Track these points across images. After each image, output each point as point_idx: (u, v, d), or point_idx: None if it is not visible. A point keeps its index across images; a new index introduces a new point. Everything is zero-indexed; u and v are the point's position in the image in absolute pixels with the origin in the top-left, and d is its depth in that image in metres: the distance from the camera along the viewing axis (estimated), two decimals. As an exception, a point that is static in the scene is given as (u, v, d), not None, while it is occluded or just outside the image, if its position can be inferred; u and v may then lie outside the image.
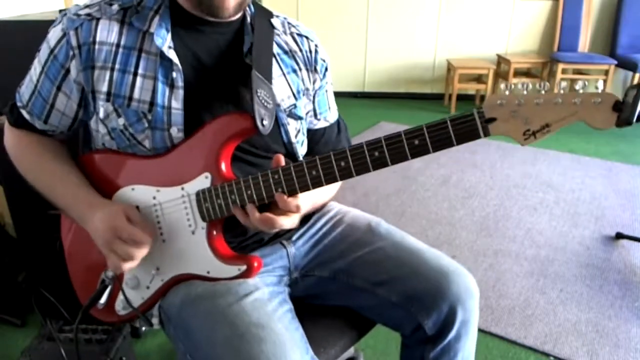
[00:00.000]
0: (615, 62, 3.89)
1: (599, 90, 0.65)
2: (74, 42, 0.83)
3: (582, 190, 2.77)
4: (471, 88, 4.38)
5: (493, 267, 2.05)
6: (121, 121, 0.86)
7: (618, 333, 1.67)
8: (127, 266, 0.83)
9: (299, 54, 0.98)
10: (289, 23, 1.00)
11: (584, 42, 4.19)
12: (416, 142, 0.72)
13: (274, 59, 0.93)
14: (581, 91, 0.66)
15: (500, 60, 4.35)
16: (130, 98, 0.85)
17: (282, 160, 0.80)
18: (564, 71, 3.97)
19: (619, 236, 2.25)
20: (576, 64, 4.02)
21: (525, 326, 1.70)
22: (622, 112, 0.64)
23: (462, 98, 4.32)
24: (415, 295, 0.93)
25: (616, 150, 3.41)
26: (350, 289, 0.98)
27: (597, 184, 2.85)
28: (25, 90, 0.91)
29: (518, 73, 4.21)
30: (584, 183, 2.86)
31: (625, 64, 3.90)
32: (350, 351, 1.50)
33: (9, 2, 1.91)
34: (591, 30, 4.21)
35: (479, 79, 4.36)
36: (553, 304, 1.82)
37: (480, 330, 1.68)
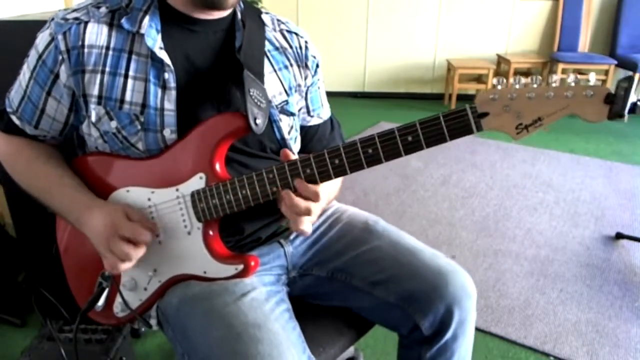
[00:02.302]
0: (615, 62, 3.89)
1: (591, 83, 0.65)
2: (62, 47, 0.82)
3: (582, 190, 2.77)
4: (471, 88, 4.39)
5: (493, 267, 2.05)
6: (113, 124, 0.85)
7: (618, 333, 1.67)
8: (124, 266, 0.82)
9: (290, 50, 0.98)
10: (278, 20, 0.99)
11: (584, 42, 4.19)
12: (409, 138, 0.73)
13: (264, 56, 0.93)
14: (573, 84, 0.65)
15: (500, 60, 4.35)
16: (122, 101, 0.84)
17: (290, 154, 0.80)
18: (564, 71, 3.97)
19: (619, 236, 2.25)
20: (576, 64, 4.02)
21: (525, 326, 1.70)
22: (613, 105, 0.63)
23: (462, 98, 4.33)
24: (412, 296, 0.92)
25: (616, 150, 3.40)
26: (347, 288, 0.98)
27: (597, 184, 2.85)
28: (14, 95, 0.90)
29: (518, 73, 4.20)
30: (584, 183, 2.86)
31: (625, 64, 3.90)
32: (350, 351, 1.50)
33: (9, 2, 1.91)
34: (591, 30, 4.21)
35: (479, 79, 4.36)
36: (553, 304, 1.82)
37: (480, 330, 1.68)
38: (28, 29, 1.45)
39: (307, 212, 0.79)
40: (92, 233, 0.84)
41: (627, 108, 0.62)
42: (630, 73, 3.89)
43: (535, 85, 0.67)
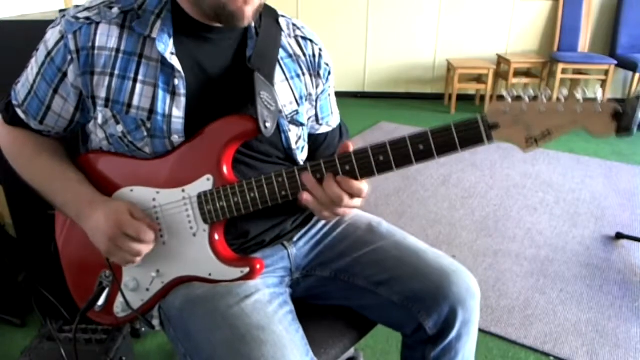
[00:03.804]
0: (615, 62, 3.89)
1: (599, 99, 0.67)
2: (72, 46, 0.81)
3: (582, 190, 2.77)
4: (471, 88, 4.38)
5: (493, 267, 2.05)
6: (119, 128, 0.85)
7: (618, 333, 1.67)
8: (134, 260, 0.83)
9: (303, 58, 0.96)
10: (293, 25, 0.97)
11: (584, 42, 4.19)
12: (421, 147, 0.73)
13: (277, 64, 0.92)
14: (581, 100, 0.67)
15: (500, 60, 4.35)
16: (129, 105, 0.83)
17: (350, 146, 0.78)
18: (564, 71, 3.97)
19: (619, 236, 2.25)
20: (576, 64, 4.02)
21: (525, 326, 1.70)
22: (621, 121, 0.65)
23: (462, 98, 4.32)
24: (416, 296, 0.92)
25: (616, 150, 3.41)
26: (351, 288, 0.98)
27: (597, 184, 2.85)
28: (21, 89, 0.90)
29: (518, 73, 4.20)
30: (584, 183, 2.86)
31: (625, 64, 3.89)
32: (351, 351, 1.50)
33: (9, 2, 1.91)
34: (591, 30, 4.20)
35: (479, 79, 4.36)
36: (553, 304, 1.82)
37: (480, 330, 1.67)
38: (28, 29, 1.45)
39: (340, 201, 0.78)
40: (93, 229, 0.84)
41: (635, 126, 0.64)
42: (631, 73, 3.89)
43: (545, 100, 0.69)
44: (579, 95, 0.67)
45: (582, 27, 4.15)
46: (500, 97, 0.71)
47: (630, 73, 3.91)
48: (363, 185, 0.79)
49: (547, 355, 1.59)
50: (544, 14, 4.30)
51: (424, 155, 0.74)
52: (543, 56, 4.24)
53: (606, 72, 3.92)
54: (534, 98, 0.69)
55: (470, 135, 0.71)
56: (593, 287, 1.92)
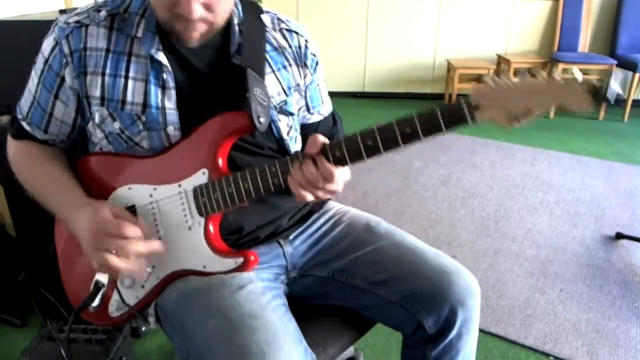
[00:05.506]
0: (615, 62, 3.89)
1: (578, 78, 0.69)
2: (66, 50, 0.85)
3: (582, 190, 2.77)
4: (471, 88, 4.37)
5: (493, 267, 2.05)
6: (117, 125, 0.87)
7: (618, 333, 1.67)
8: (121, 264, 0.78)
9: (289, 50, 0.97)
10: (278, 19, 0.99)
11: (584, 42, 4.19)
12: (407, 129, 0.76)
13: (264, 58, 0.93)
14: (558, 78, 0.70)
15: (500, 60, 4.35)
16: (124, 101, 0.86)
17: (320, 140, 0.80)
18: (564, 71, 3.97)
19: (619, 236, 2.25)
20: (576, 64, 4.02)
21: (525, 326, 1.70)
22: (597, 94, 0.68)
23: (462, 98, 4.32)
24: (415, 295, 0.93)
25: (616, 150, 3.40)
26: (349, 289, 0.98)
27: (597, 184, 2.85)
28: (24, 102, 0.93)
29: (518, 73, 4.20)
30: (584, 183, 2.86)
31: (625, 64, 3.89)
32: (350, 350, 1.50)
33: (9, 2, 1.92)
34: (591, 30, 4.20)
35: (479, 79, 4.36)
36: (553, 304, 1.82)
37: (480, 330, 1.66)
38: (28, 29, 1.45)
39: (316, 185, 0.80)
40: (80, 232, 0.84)
41: (608, 93, 0.67)
42: (631, 73, 3.89)
43: (524, 79, 0.72)
44: (557, 75, 0.70)
45: (582, 27, 4.15)
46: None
47: (630, 73, 3.91)
48: (338, 171, 0.80)
49: (547, 355, 1.59)
50: (544, 14, 4.31)
51: (410, 137, 0.76)
52: (543, 56, 4.25)
53: (606, 73, 3.92)
54: (514, 79, 0.73)
55: (454, 115, 0.74)
56: (593, 287, 1.92)
